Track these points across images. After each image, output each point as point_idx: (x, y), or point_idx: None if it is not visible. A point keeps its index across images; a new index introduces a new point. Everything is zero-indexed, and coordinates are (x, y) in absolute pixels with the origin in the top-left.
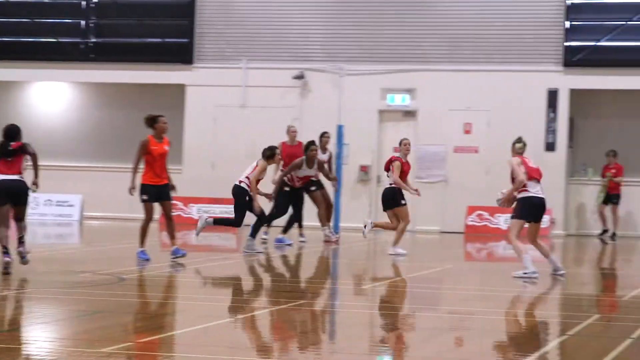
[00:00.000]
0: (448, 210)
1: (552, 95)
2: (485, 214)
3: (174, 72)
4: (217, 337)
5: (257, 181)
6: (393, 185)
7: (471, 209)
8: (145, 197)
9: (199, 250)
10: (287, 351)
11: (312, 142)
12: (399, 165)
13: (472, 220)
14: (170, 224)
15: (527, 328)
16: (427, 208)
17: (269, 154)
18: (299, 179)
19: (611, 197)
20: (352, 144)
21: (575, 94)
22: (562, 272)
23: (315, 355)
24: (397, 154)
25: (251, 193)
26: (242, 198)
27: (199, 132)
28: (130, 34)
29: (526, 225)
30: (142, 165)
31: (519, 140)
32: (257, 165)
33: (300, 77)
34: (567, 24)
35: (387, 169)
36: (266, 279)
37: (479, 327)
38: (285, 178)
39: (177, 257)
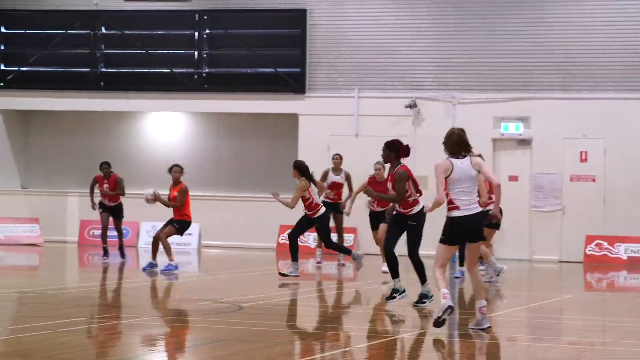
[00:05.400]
0: (565, 239)
1: None
2: (605, 244)
3: (286, 102)
4: None
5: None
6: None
7: (590, 238)
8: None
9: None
10: None
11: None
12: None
13: (591, 250)
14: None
15: None
16: (545, 237)
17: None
18: None
19: None
20: None
21: None
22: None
23: None
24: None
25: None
26: None
27: (313, 160)
28: (242, 64)
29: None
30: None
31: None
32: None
33: (412, 105)
34: None
35: None
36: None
37: (599, 358)
38: None
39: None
